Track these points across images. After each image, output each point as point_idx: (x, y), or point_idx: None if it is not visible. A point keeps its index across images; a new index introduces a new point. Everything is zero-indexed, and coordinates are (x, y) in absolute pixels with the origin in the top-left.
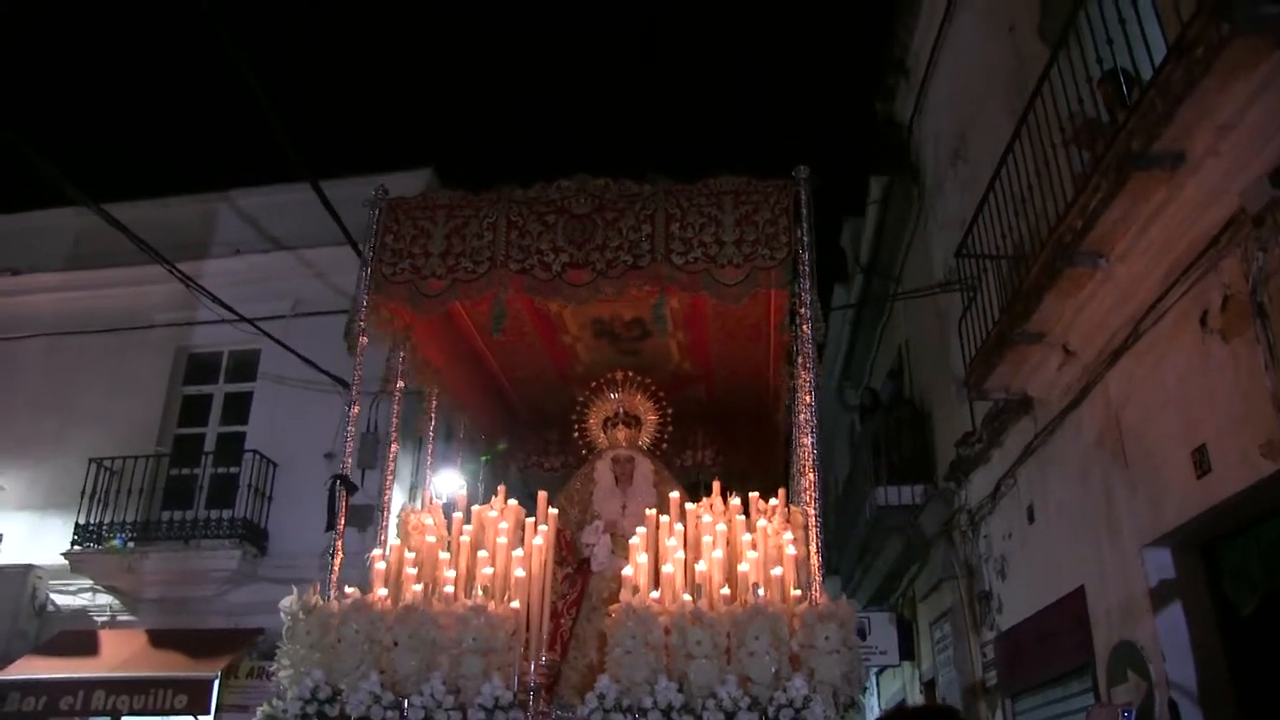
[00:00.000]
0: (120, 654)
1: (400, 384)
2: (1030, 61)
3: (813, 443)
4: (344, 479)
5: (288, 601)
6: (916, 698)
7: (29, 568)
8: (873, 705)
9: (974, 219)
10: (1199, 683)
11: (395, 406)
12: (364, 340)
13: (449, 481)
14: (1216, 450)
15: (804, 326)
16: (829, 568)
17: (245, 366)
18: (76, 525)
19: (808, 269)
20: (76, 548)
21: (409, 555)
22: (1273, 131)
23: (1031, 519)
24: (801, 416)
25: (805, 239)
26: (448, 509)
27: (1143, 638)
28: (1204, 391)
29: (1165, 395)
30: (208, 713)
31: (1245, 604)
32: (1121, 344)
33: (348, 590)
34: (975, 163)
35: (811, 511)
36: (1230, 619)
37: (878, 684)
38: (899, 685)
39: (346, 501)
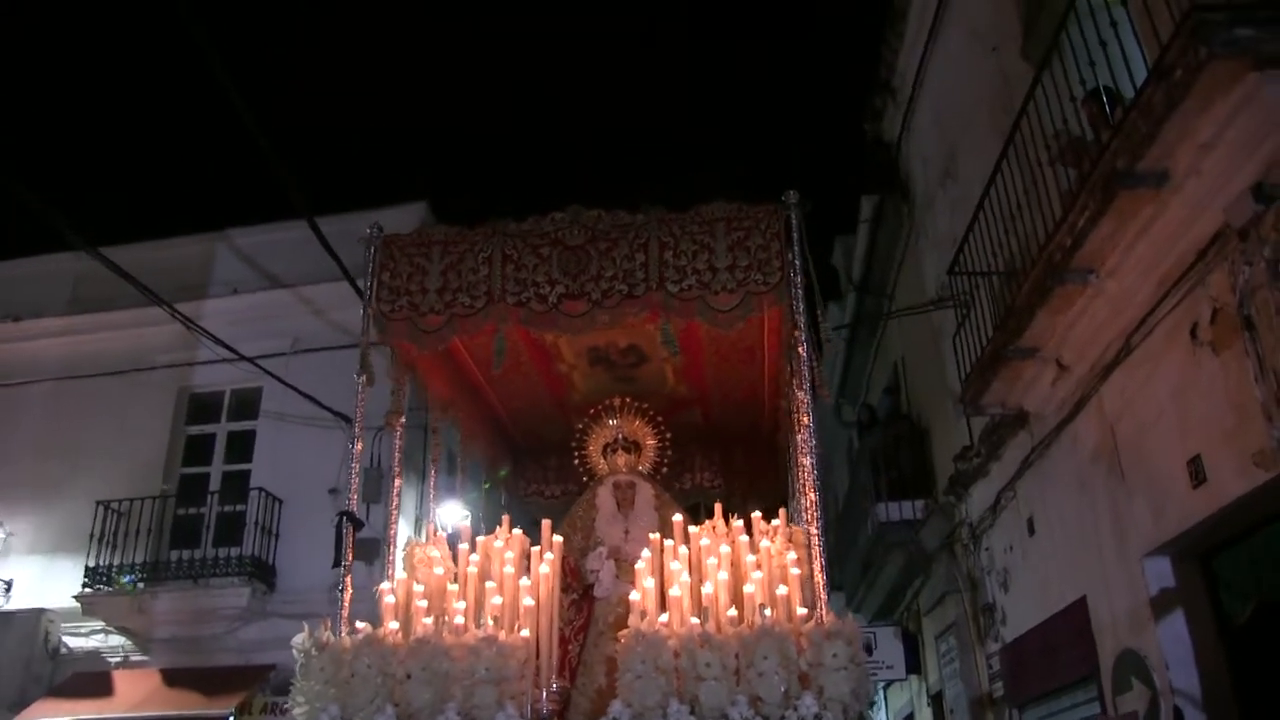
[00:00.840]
0: (135, 694)
1: (402, 419)
2: (1015, 81)
3: (813, 463)
4: (350, 515)
5: (300, 639)
6: (924, 711)
7: (40, 611)
8: (881, 719)
9: (965, 236)
10: (1202, 690)
11: (397, 441)
12: (364, 379)
13: (452, 513)
14: (1211, 460)
15: (799, 349)
16: (832, 584)
17: (247, 405)
18: (86, 568)
19: (801, 291)
20: (87, 590)
21: (417, 588)
22: (1253, 148)
23: (1032, 531)
24: (800, 437)
25: (797, 262)
26: (452, 540)
27: (1146, 646)
28: (1197, 403)
29: (1159, 407)
30: None
31: (1239, 614)
32: (1114, 358)
33: (358, 625)
34: (964, 181)
35: (814, 531)
36: (1231, 626)
37: (885, 698)
38: (906, 699)
39: (353, 538)
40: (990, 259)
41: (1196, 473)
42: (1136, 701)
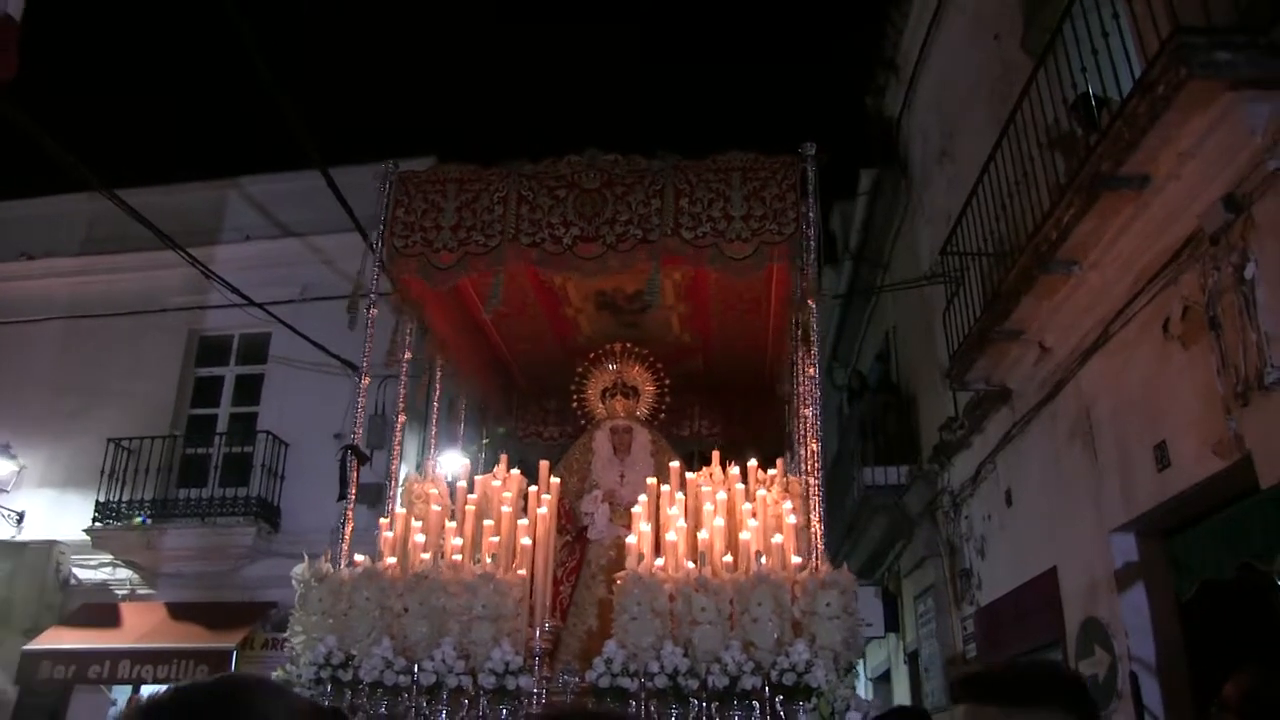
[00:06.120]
0: (142, 626)
1: (407, 355)
2: (1013, 70)
3: (815, 413)
4: (354, 449)
5: (300, 570)
6: (901, 669)
7: (53, 543)
8: (860, 675)
9: (958, 219)
10: (1157, 658)
11: (402, 378)
12: (374, 313)
13: (453, 461)
14: (1175, 447)
15: (809, 301)
16: None
17: (255, 349)
18: (96, 503)
19: (814, 244)
20: (97, 524)
21: (415, 524)
22: (1226, 161)
23: (1010, 502)
24: (803, 388)
25: (811, 215)
26: (450, 480)
27: (1108, 615)
28: (1165, 392)
29: (1131, 393)
30: None
31: (1185, 592)
32: (1093, 344)
33: (357, 559)
34: (961, 161)
35: (813, 481)
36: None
37: (864, 655)
38: (884, 656)
39: (357, 471)
40: (982, 241)
41: (1161, 457)
42: (1097, 666)
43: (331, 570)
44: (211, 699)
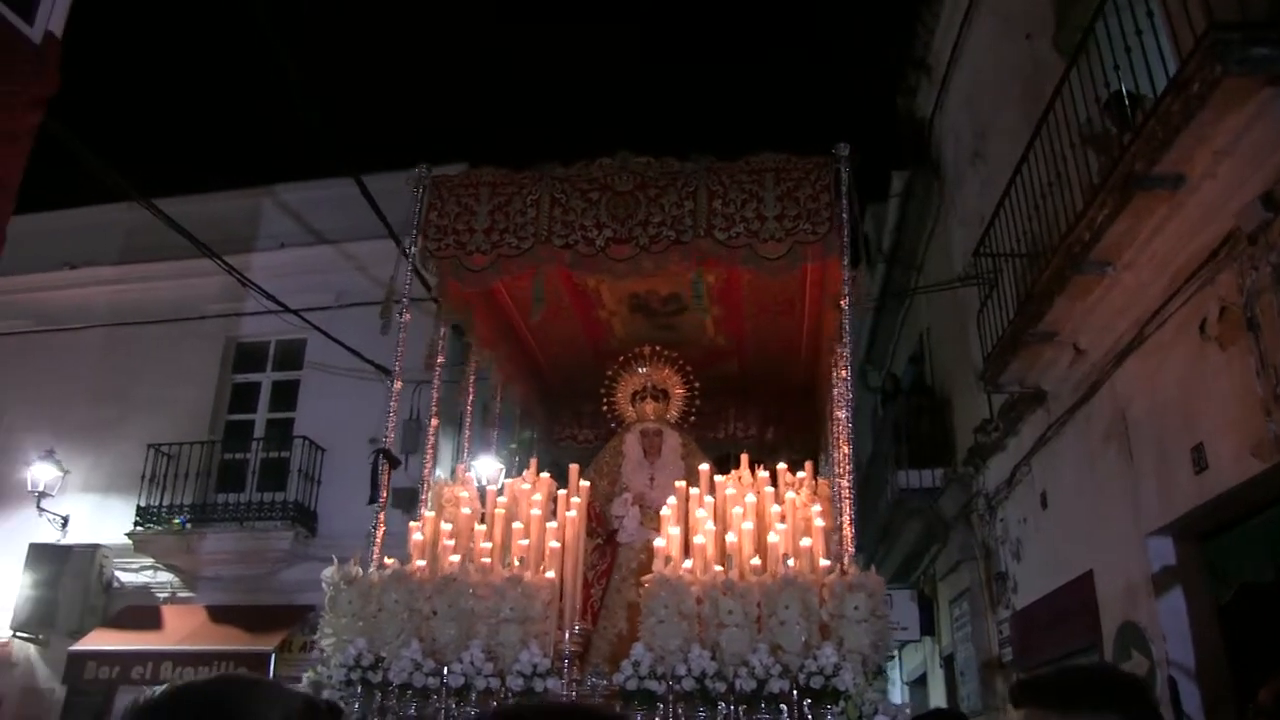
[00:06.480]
0: (183, 628)
1: (441, 360)
2: (1045, 68)
3: (847, 416)
4: (386, 452)
5: (329, 573)
6: (937, 673)
7: (96, 547)
8: (895, 679)
9: (991, 220)
10: (1197, 662)
11: (435, 383)
12: (407, 318)
13: (486, 466)
14: (1213, 449)
15: (842, 303)
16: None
17: (291, 355)
18: (137, 507)
19: (849, 244)
20: (138, 528)
21: (445, 527)
22: (1264, 158)
23: (1045, 505)
24: (836, 391)
25: (845, 215)
26: (480, 483)
27: (1145, 619)
28: (1202, 393)
29: (1167, 395)
30: None
31: (1223, 595)
32: (1128, 345)
33: (387, 561)
34: (994, 162)
35: (844, 484)
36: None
37: (900, 659)
38: (920, 660)
39: (389, 475)
40: (1015, 242)
41: (1199, 459)
42: (1135, 671)
43: (360, 573)
44: (207, 699)
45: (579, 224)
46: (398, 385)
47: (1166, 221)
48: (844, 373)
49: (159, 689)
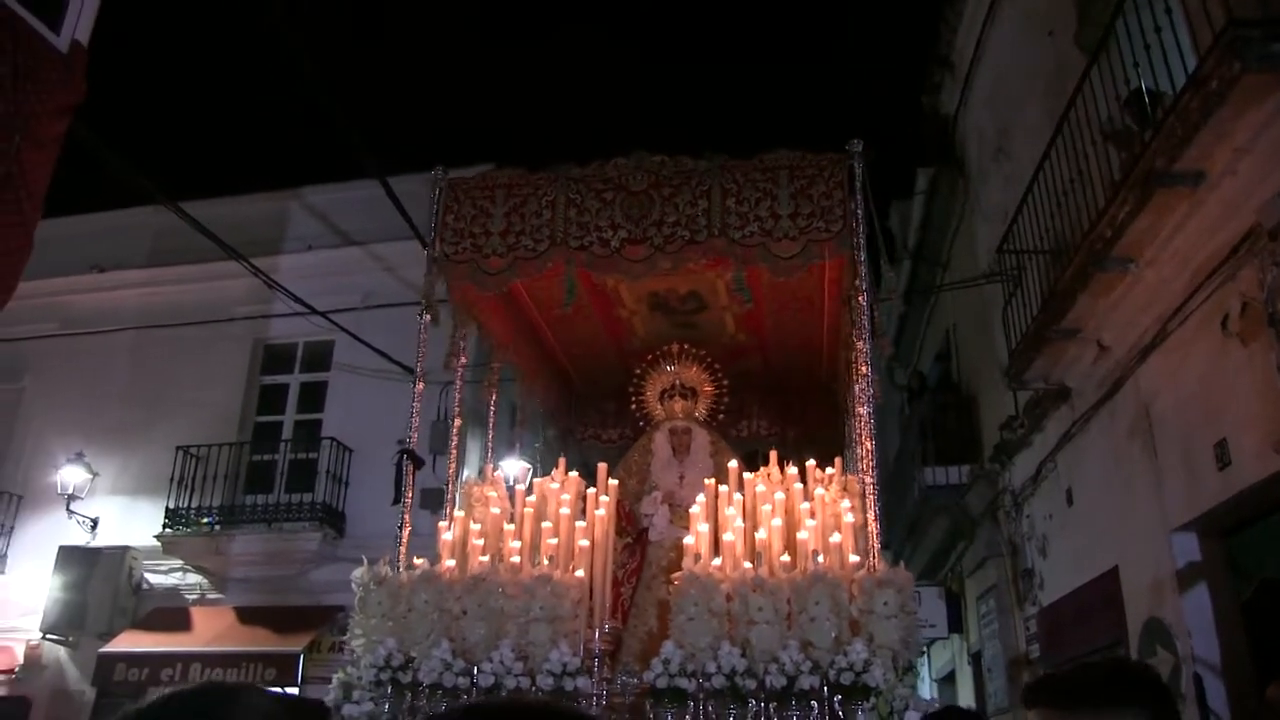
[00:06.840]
0: (212, 630)
1: (463, 360)
2: (1068, 66)
3: (869, 412)
4: (409, 452)
5: (359, 573)
6: (965, 669)
7: (125, 549)
8: (924, 676)
9: (1014, 217)
10: (1222, 658)
11: (458, 383)
12: (429, 319)
13: (512, 467)
14: (1236, 444)
15: (859, 298)
16: (881, 542)
17: (319, 357)
18: (166, 509)
19: (863, 240)
20: (167, 530)
21: (474, 527)
22: None
23: (1070, 501)
24: (858, 387)
25: (859, 211)
26: (509, 483)
27: (1170, 616)
28: (1224, 389)
29: (1190, 391)
30: (295, 685)
31: (1243, 591)
32: (1150, 342)
33: (416, 561)
34: (1017, 158)
35: (869, 480)
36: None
37: (929, 656)
38: (949, 657)
39: (413, 475)
40: (1039, 239)
41: (1222, 455)
42: (1160, 667)
43: (390, 573)
44: (196, 705)
45: (594, 225)
46: (420, 386)
47: (1187, 218)
48: (864, 369)
49: (147, 699)
